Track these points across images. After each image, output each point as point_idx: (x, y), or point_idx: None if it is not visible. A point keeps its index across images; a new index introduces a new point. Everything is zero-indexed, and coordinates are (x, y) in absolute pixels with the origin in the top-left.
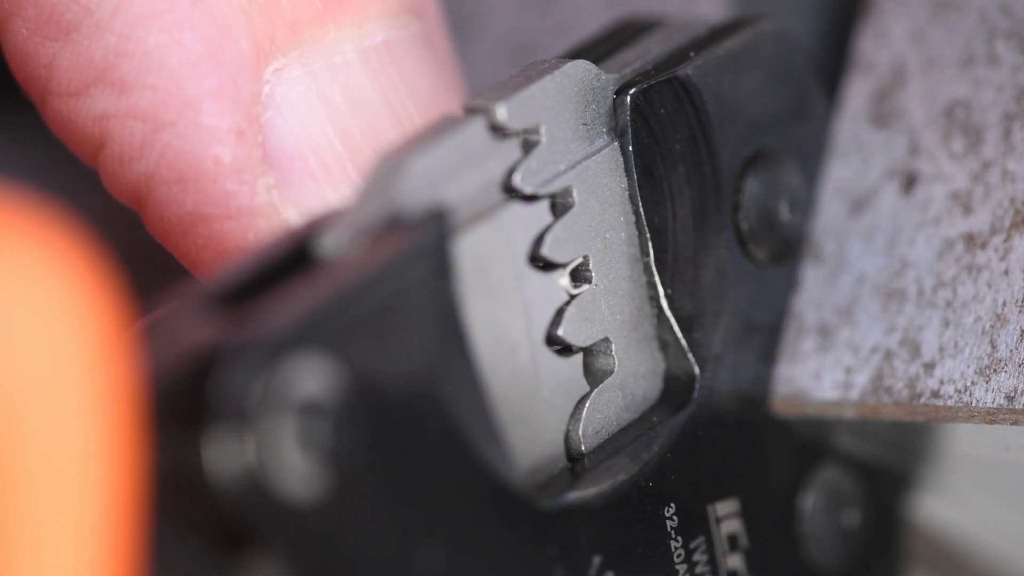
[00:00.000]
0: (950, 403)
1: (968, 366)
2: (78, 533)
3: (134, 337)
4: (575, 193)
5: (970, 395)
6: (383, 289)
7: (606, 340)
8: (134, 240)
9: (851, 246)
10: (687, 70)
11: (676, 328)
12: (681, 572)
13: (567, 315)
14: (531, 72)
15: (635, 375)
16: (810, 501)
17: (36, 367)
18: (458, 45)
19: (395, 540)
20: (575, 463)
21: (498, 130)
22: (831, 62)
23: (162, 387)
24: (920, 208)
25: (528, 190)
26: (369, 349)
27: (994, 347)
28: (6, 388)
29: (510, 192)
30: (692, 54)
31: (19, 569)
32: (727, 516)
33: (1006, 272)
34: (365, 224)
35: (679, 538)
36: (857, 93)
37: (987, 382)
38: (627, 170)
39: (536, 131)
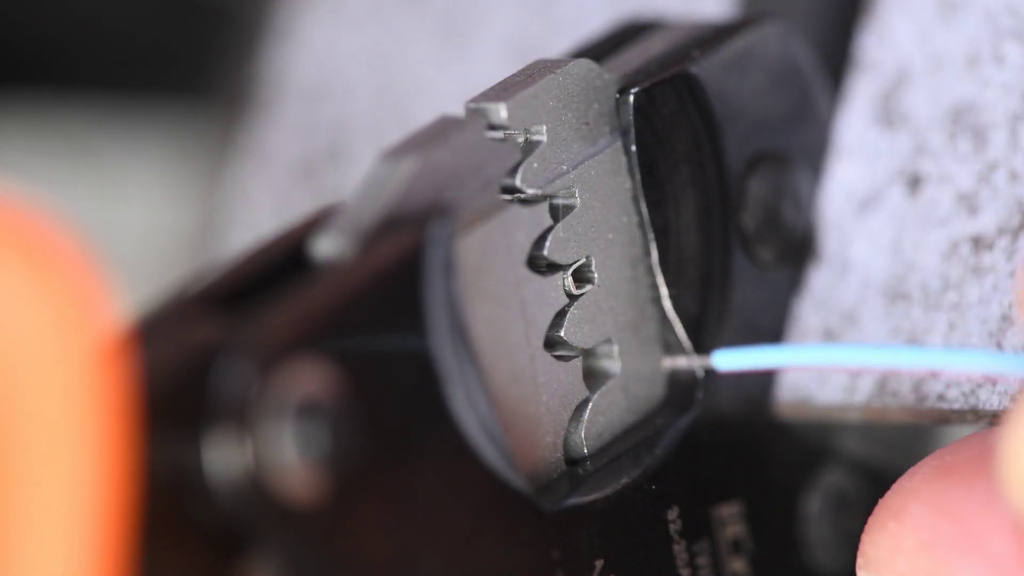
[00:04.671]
0: (956, 406)
1: None
2: (72, 535)
3: (131, 337)
4: (577, 193)
5: (976, 398)
6: (382, 290)
7: (608, 342)
8: (132, 239)
9: (856, 247)
10: (690, 69)
11: (679, 330)
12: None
13: (569, 317)
14: (533, 71)
15: (638, 377)
16: (815, 504)
17: (30, 367)
18: (458, 45)
19: (394, 543)
20: (577, 466)
21: (499, 130)
22: (835, 62)
23: (159, 388)
24: (926, 209)
25: (529, 190)
26: (368, 351)
27: (1000, 350)
28: None
29: (511, 192)
30: (695, 54)
31: (13, 572)
32: (731, 519)
33: (1012, 274)
34: (364, 225)
35: (682, 541)
36: (862, 93)
37: (993, 385)
38: (630, 170)
39: (538, 131)
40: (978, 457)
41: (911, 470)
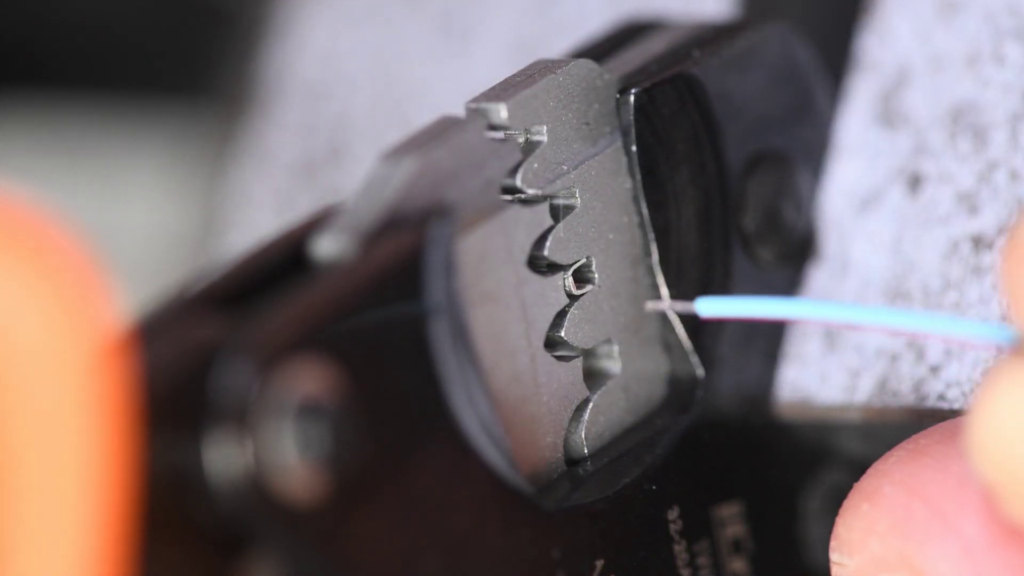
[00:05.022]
0: (956, 406)
1: (974, 369)
2: (73, 535)
3: (132, 337)
4: (578, 193)
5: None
6: (382, 291)
7: (609, 342)
8: (132, 239)
9: (856, 247)
10: (691, 70)
11: (680, 330)
12: None
13: (569, 317)
14: (533, 71)
15: (638, 377)
16: (815, 504)
17: (31, 368)
18: (458, 45)
19: (395, 543)
20: (577, 466)
21: (499, 130)
22: (835, 62)
23: (159, 388)
24: (926, 209)
25: (530, 191)
26: (368, 351)
27: (1000, 350)
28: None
29: (511, 193)
30: (696, 54)
31: (13, 572)
32: (731, 519)
33: None
34: (364, 224)
35: (683, 541)
36: (862, 93)
37: None
38: (630, 170)
39: (538, 131)
40: (951, 440)
41: (887, 454)
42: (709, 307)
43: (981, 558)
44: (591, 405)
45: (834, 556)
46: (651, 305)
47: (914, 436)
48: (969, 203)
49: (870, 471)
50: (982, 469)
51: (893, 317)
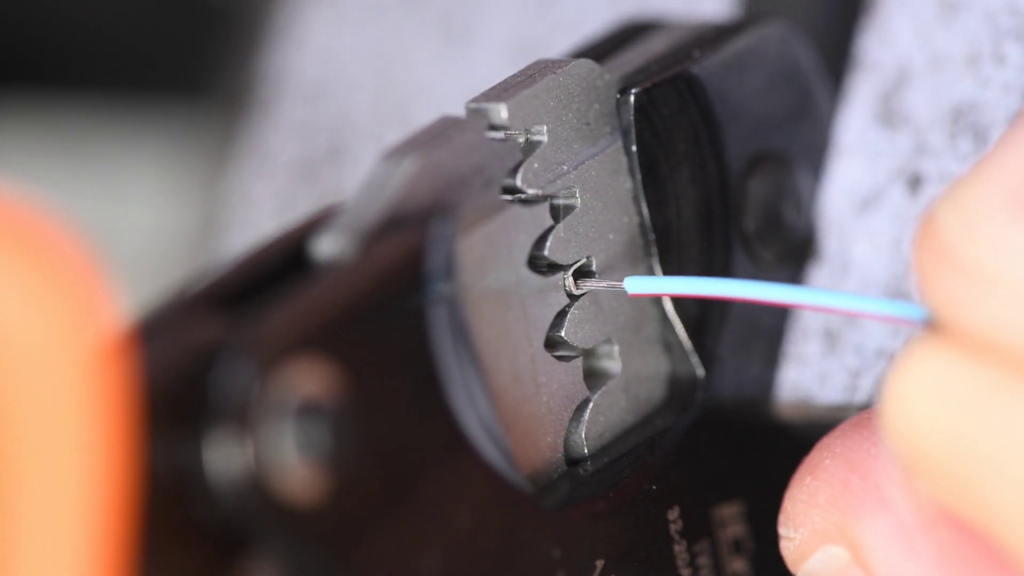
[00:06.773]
0: None
1: None
2: (73, 535)
3: (132, 337)
4: (578, 193)
5: None
6: (382, 291)
7: (609, 342)
8: (132, 239)
9: (857, 247)
10: (691, 69)
11: (680, 330)
12: None
13: (570, 317)
14: (533, 71)
15: (638, 377)
16: None
17: (31, 367)
18: (459, 45)
19: (395, 543)
20: (578, 466)
21: (500, 130)
22: (835, 62)
23: (160, 388)
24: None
25: (530, 191)
26: (368, 351)
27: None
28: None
29: (512, 193)
30: (696, 54)
31: (14, 572)
32: (732, 519)
33: None
34: (365, 224)
35: (683, 541)
36: (862, 93)
37: None
38: (631, 170)
39: (538, 131)
40: None
41: (835, 428)
42: (636, 285)
43: (913, 533)
44: (591, 405)
45: (781, 530)
46: (586, 284)
47: (862, 411)
48: None
49: (817, 445)
50: (895, 449)
51: (810, 296)
